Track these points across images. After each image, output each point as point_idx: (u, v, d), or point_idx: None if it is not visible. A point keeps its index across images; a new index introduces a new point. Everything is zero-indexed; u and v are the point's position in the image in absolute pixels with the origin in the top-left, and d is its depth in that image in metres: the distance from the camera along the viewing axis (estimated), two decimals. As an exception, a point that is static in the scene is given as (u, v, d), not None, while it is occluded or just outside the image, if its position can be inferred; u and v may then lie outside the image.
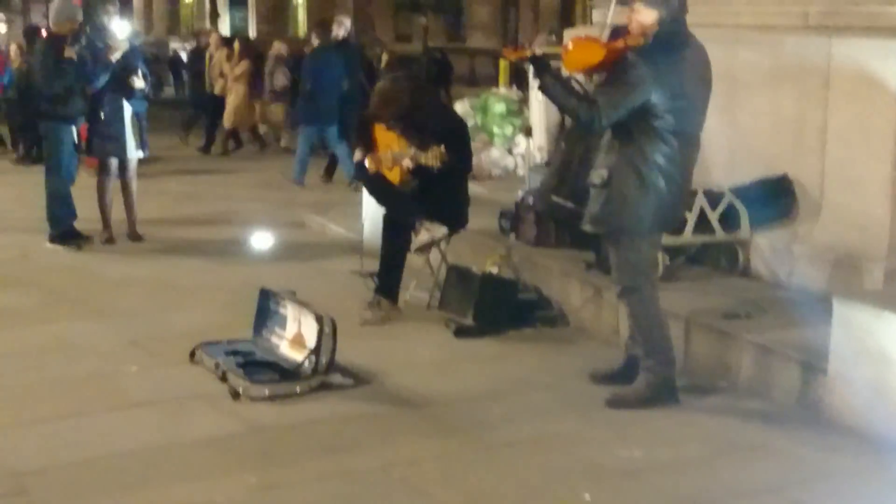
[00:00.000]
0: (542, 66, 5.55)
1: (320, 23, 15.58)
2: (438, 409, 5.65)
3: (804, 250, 6.84)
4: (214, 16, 38.61)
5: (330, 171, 13.80)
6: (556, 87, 5.50)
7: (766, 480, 4.76)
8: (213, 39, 18.36)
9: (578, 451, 5.06)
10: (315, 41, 13.98)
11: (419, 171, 7.14)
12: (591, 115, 5.37)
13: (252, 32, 38.61)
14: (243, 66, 16.90)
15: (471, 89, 20.73)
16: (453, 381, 6.08)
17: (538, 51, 5.61)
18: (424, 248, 7.50)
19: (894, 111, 6.39)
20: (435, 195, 7.24)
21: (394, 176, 7.31)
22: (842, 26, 6.76)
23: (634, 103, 5.32)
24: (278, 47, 18.03)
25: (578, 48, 5.52)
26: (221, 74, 16.90)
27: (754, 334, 5.96)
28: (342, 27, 14.15)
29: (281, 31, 36.31)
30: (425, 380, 6.07)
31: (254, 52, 18.77)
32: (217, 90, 16.93)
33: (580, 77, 6.28)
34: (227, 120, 16.80)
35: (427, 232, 7.37)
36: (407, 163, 7.14)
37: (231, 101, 16.69)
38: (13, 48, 16.24)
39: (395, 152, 7.29)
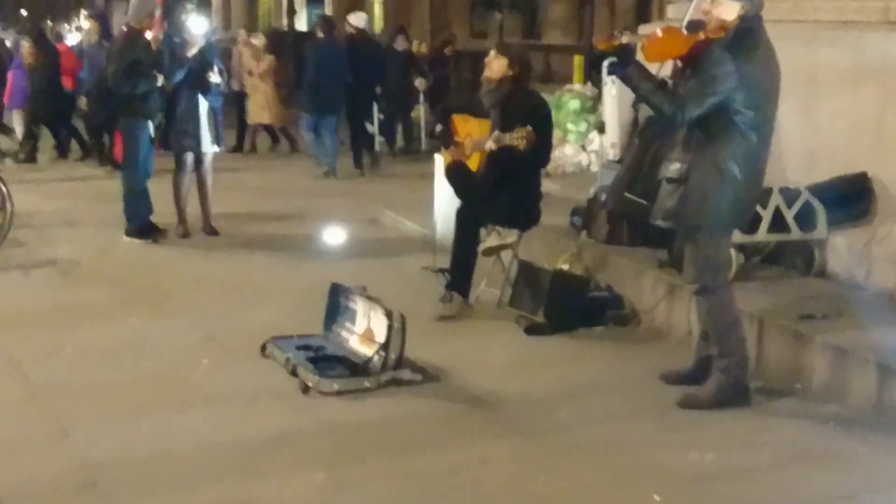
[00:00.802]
0: (630, 56, 5.47)
1: (325, 17, 16.70)
2: (508, 409, 5.61)
3: (883, 251, 6.71)
4: (291, 13, 38.87)
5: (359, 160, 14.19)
6: (641, 79, 5.42)
7: (840, 488, 4.65)
8: (241, 36, 18.00)
9: (648, 455, 4.99)
10: (320, 34, 14.49)
11: (500, 156, 7.08)
12: (676, 109, 5.30)
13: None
14: (268, 62, 16.59)
15: (546, 86, 20.63)
16: (523, 380, 6.03)
17: (625, 40, 5.50)
18: (493, 251, 7.45)
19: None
20: (509, 191, 7.19)
21: (473, 163, 7.25)
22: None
23: (719, 97, 5.24)
24: None
25: (662, 39, 5.42)
26: (250, 72, 16.52)
27: (830, 336, 5.84)
28: (360, 20, 14.75)
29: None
30: (495, 378, 6.02)
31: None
32: (237, 87, 16.44)
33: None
34: (258, 116, 16.42)
35: (497, 236, 7.34)
36: (490, 145, 7.07)
37: (257, 99, 16.31)
38: (25, 46, 16.10)
39: (475, 139, 7.24)
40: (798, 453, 5.02)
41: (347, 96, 13.97)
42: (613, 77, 9.30)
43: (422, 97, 16.12)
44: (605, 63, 10.08)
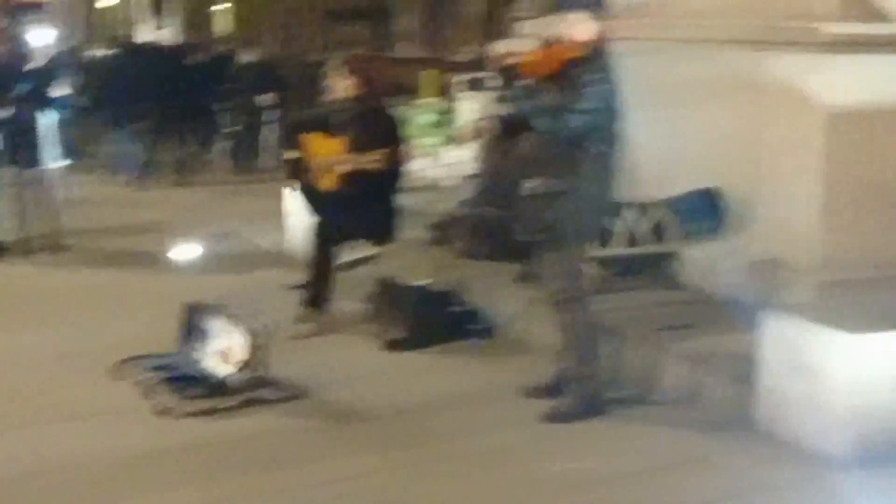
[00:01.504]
0: (514, 75, 5.51)
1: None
2: (376, 424, 5.62)
3: (736, 262, 6.88)
4: (132, 24, 38.18)
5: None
6: (525, 96, 5.47)
7: (703, 493, 4.77)
8: None
9: (522, 464, 5.05)
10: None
11: (354, 177, 7.07)
12: (560, 126, 5.38)
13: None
14: None
15: (398, 99, 20.70)
16: (388, 395, 6.04)
17: (512, 60, 5.56)
18: (352, 265, 7.44)
19: (823, 125, 6.48)
20: (366, 207, 7.20)
21: (326, 183, 7.24)
22: (774, 41, 6.84)
23: (590, 113, 5.36)
24: None
25: (540, 58, 5.51)
26: None
27: (686, 346, 6.01)
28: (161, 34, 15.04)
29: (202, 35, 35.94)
30: (360, 394, 6.02)
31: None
32: None
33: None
34: None
35: (356, 251, 7.36)
36: (345, 167, 7.06)
37: None
38: None
39: (329, 159, 7.22)
40: (661, 460, 5.13)
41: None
42: (470, 92, 9.48)
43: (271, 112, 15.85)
44: (462, 78, 10.24)
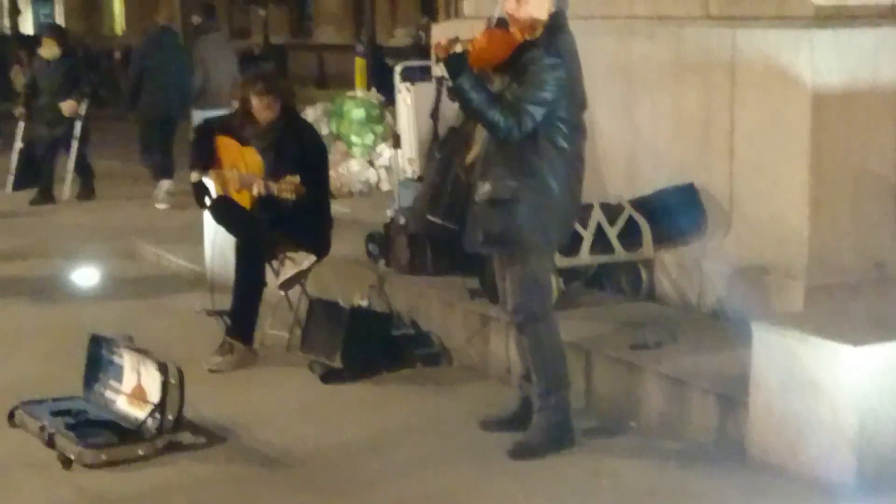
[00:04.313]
0: (462, 65, 5.42)
1: None
2: (308, 467, 5.62)
3: (715, 267, 6.95)
4: (14, 13, 37.91)
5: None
6: (474, 90, 5.41)
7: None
8: None
9: (475, 510, 5.08)
10: None
11: (269, 200, 7.11)
12: (514, 122, 5.37)
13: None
14: None
15: (322, 92, 20.69)
16: (324, 433, 6.05)
17: (459, 48, 5.42)
18: (290, 283, 7.45)
19: (808, 107, 6.56)
20: (293, 219, 7.21)
21: (243, 200, 7.25)
22: (747, 16, 6.93)
23: (551, 105, 5.40)
24: None
25: (489, 43, 5.49)
26: None
27: (664, 366, 6.05)
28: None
29: (95, 29, 35.80)
30: (291, 433, 6.03)
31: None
32: None
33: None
34: None
35: (292, 263, 7.33)
36: (257, 189, 7.09)
37: None
38: None
39: (242, 174, 7.22)
40: (641, 495, 5.18)
41: None
42: (408, 84, 9.46)
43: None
44: (398, 67, 10.21)
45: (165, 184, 13.64)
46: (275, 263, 7.43)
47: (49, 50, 13.91)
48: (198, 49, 14.06)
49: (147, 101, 13.75)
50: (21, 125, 14.16)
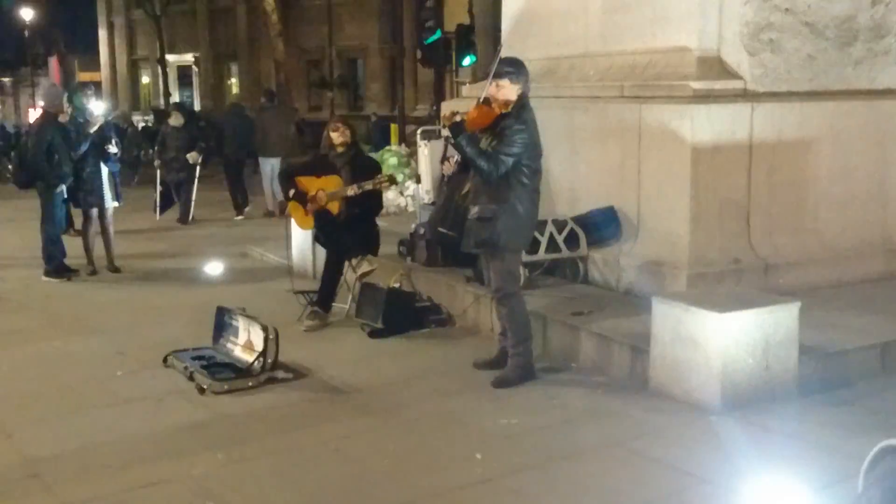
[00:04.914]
0: (461, 129, 5.46)
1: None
2: (361, 395, 5.61)
3: (628, 262, 6.95)
4: (167, 94, 37.90)
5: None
6: (468, 145, 5.43)
7: (611, 436, 4.82)
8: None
9: (470, 421, 5.07)
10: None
11: (359, 199, 7.10)
12: (493, 167, 5.39)
13: (197, 106, 37.98)
14: None
15: (367, 146, 20.67)
16: (371, 372, 6.03)
17: (458, 119, 5.50)
18: (365, 275, 7.42)
19: (689, 157, 6.56)
20: (363, 228, 7.26)
21: (333, 207, 7.21)
22: (649, 96, 6.94)
23: (519, 157, 5.40)
24: None
25: (478, 114, 5.52)
26: None
27: (594, 326, 6.05)
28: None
29: (219, 105, 35.77)
30: (349, 372, 6.01)
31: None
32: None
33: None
34: None
35: (367, 264, 7.37)
36: (353, 191, 7.05)
37: None
38: None
39: (329, 191, 7.20)
40: (581, 413, 5.18)
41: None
42: (426, 141, 9.46)
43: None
44: (419, 130, 10.23)
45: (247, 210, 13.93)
46: (353, 261, 7.41)
47: (175, 119, 13.91)
48: (260, 119, 14.16)
49: (226, 152, 14.11)
50: (157, 171, 14.03)
